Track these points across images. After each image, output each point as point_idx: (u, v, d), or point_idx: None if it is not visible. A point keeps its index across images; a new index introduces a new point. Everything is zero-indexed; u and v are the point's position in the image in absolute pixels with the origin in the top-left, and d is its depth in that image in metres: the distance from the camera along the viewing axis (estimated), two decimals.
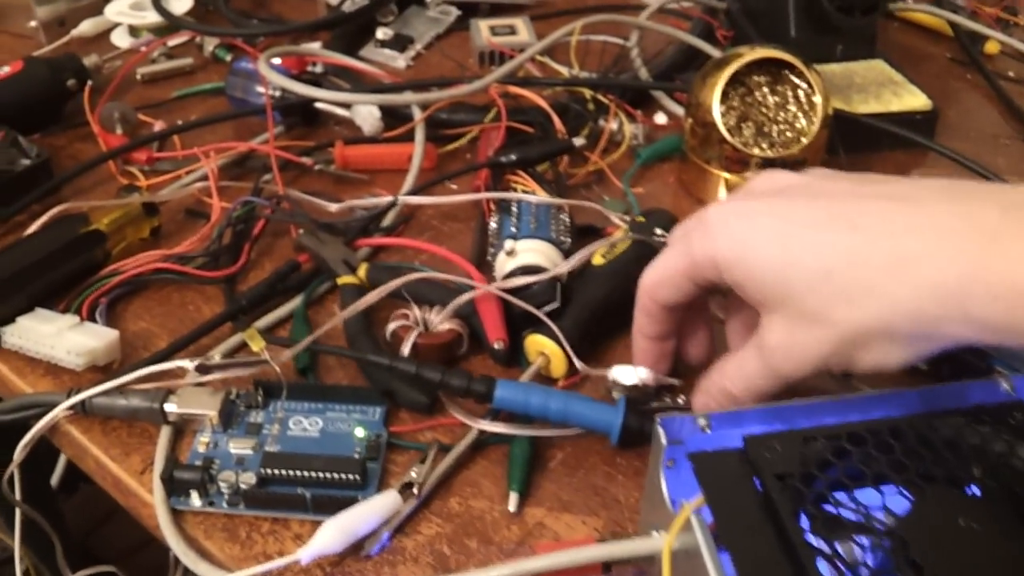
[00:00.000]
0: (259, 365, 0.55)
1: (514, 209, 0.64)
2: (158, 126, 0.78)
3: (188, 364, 0.54)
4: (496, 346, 0.57)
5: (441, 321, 0.58)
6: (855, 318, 0.40)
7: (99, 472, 0.55)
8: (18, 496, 0.58)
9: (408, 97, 0.73)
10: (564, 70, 0.84)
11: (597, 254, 0.61)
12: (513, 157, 0.68)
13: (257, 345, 0.54)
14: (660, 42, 0.88)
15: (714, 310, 0.55)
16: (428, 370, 0.54)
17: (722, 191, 0.71)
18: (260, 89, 0.77)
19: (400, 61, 0.87)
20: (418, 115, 0.74)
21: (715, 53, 0.83)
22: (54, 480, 1.36)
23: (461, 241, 0.68)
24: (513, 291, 0.58)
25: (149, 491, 0.52)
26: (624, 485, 0.53)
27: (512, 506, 0.51)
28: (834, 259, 0.40)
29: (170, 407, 0.54)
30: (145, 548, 1.33)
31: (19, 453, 0.55)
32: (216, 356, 0.55)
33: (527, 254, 0.60)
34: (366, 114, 0.74)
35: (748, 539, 0.37)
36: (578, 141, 0.70)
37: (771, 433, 0.41)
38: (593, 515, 0.51)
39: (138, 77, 0.86)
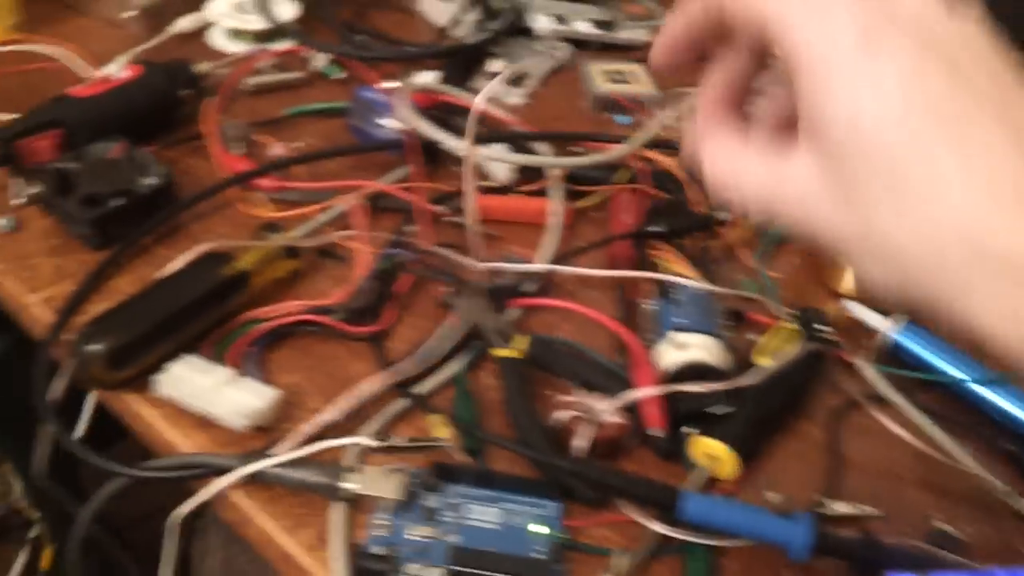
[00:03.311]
0: (439, 449, 0.54)
1: (678, 296, 0.63)
2: (277, 148, 0.75)
3: (370, 442, 0.53)
4: (653, 433, 0.57)
5: (611, 413, 0.58)
6: (889, 228, 0.33)
7: (263, 541, 0.53)
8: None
9: (556, 160, 0.71)
10: None
11: (764, 353, 0.61)
12: (662, 228, 0.68)
13: (441, 432, 0.53)
14: None
15: None
16: (615, 478, 0.53)
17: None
18: (381, 122, 0.75)
19: (514, 97, 0.85)
20: (555, 171, 0.73)
21: None
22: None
23: (600, 309, 0.67)
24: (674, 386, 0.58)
25: (324, 571, 0.51)
26: None
27: None
28: (913, 158, 0.32)
29: (350, 486, 0.52)
30: (157, 515, 1.30)
31: (178, 515, 0.53)
32: (398, 439, 0.54)
33: (696, 350, 0.60)
34: (498, 164, 0.73)
35: None
36: (723, 215, 0.70)
37: None
38: None
39: (244, 87, 0.82)
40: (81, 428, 0.61)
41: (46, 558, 1.46)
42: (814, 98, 0.34)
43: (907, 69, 0.33)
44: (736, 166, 0.38)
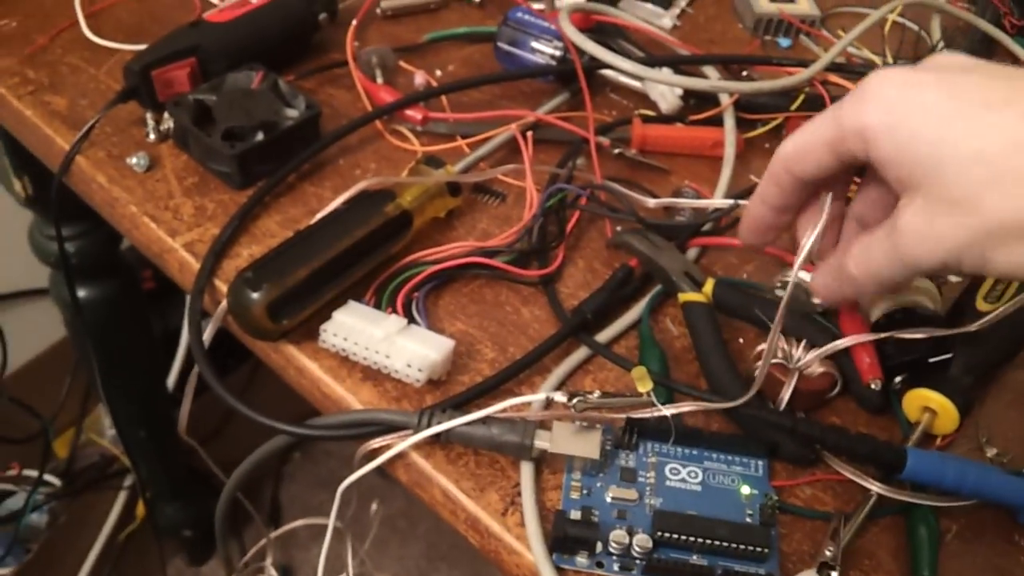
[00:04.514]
0: (638, 405, 0.49)
1: None
2: (419, 76, 0.70)
3: (561, 397, 0.48)
4: (872, 386, 0.52)
5: (813, 362, 0.52)
6: (1004, 209, 0.36)
7: (447, 506, 0.49)
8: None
9: (740, 85, 0.65)
10: (873, 56, 0.76)
11: (979, 296, 0.55)
12: None
13: (644, 386, 0.48)
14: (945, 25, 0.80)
15: None
16: (833, 435, 0.48)
17: None
18: (535, 45, 0.69)
19: (666, 20, 0.79)
20: (725, 99, 0.66)
21: (1012, 47, 0.76)
22: (169, 381, 1.31)
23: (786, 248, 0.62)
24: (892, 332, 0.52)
25: (517, 538, 0.47)
26: None
27: None
28: (997, 142, 0.36)
29: (541, 444, 0.48)
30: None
31: (353, 478, 0.49)
32: (596, 393, 0.49)
33: (910, 293, 0.54)
34: (665, 90, 0.67)
35: None
36: None
37: None
38: None
39: (378, 11, 0.77)
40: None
41: (140, 507, 1.46)
42: (896, 153, 0.39)
43: (941, 84, 0.38)
44: (866, 255, 0.43)
